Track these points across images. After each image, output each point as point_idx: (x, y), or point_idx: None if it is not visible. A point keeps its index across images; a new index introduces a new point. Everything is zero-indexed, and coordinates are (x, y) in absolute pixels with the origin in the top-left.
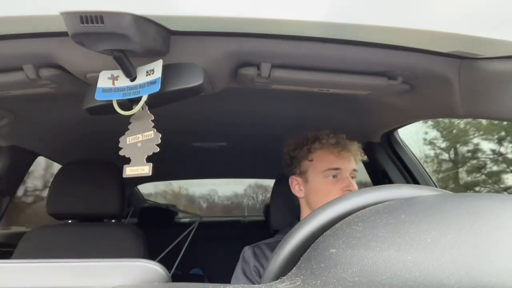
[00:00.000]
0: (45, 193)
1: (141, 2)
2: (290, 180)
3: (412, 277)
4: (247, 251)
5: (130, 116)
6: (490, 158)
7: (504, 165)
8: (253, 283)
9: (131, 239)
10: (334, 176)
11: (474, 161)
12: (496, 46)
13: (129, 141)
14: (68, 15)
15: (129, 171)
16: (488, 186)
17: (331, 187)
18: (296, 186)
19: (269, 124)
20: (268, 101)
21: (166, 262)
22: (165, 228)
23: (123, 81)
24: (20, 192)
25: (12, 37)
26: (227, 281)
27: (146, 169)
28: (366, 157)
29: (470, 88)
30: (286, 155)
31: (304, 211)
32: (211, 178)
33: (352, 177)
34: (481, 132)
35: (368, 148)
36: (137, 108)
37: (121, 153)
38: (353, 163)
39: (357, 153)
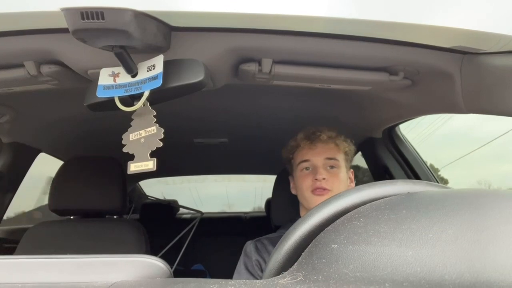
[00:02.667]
0: None
1: None
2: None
3: (413, 272)
4: (249, 246)
5: (131, 112)
6: None
7: None
8: (255, 277)
9: (133, 235)
10: (307, 169)
11: None
12: (498, 40)
13: (132, 138)
14: (69, 11)
15: (133, 167)
16: None
17: (304, 179)
18: (292, 184)
19: (270, 120)
20: (269, 97)
21: (168, 258)
22: (167, 224)
23: (125, 78)
24: None
25: (13, 34)
26: (229, 276)
27: (150, 165)
28: (350, 141)
29: (472, 83)
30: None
31: (301, 208)
32: (213, 174)
33: (331, 166)
34: None
35: (369, 144)
36: (139, 104)
37: (124, 150)
38: (328, 152)
39: (332, 141)
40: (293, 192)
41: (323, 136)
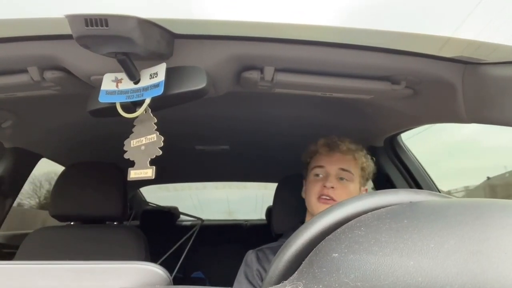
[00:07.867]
0: None
1: (145, 6)
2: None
3: (415, 283)
4: (250, 255)
5: (133, 119)
6: None
7: None
8: (255, 287)
9: (133, 242)
10: (318, 175)
11: None
12: (500, 50)
13: (133, 144)
14: (73, 18)
15: (133, 174)
16: None
17: (314, 184)
18: (304, 188)
19: (272, 128)
20: (271, 105)
21: (167, 265)
22: (167, 231)
23: (127, 84)
24: None
25: (17, 40)
26: (229, 284)
27: (149, 172)
28: (370, 159)
29: (474, 93)
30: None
31: (307, 214)
32: (214, 181)
33: (343, 178)
34: None
35: (371, 153)
36: (140, 111)
37: (125, 156)
38: (344, 163)
39: (351, 153)
40: (303, 196)
41: (343, 146)
